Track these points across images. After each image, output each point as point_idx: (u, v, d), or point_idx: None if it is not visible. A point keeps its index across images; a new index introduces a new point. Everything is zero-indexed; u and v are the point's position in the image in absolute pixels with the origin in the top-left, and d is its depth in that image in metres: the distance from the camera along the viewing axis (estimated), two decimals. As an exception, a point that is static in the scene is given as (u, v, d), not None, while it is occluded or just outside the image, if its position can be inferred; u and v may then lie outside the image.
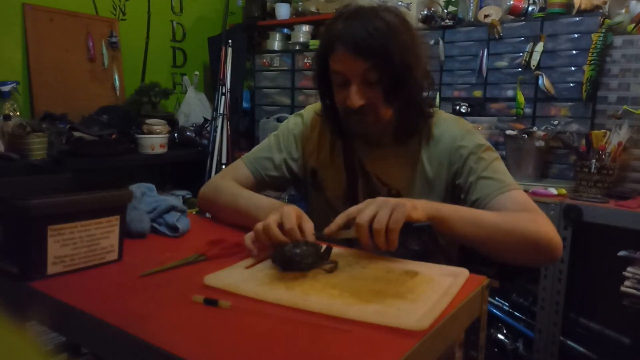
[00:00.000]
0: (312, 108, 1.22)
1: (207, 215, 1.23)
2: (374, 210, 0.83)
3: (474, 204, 1.01)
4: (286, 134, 1.20)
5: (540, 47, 2.08)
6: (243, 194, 1.09)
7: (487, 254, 0.95)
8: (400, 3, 2.49)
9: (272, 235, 0.82)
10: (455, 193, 1.09)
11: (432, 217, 0.89)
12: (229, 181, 1.16)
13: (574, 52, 2.02)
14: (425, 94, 1.07)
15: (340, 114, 1.07)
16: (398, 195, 1.09)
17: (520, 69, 2.15)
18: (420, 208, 0.86)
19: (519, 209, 0.96)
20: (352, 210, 0.86)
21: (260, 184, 1.19)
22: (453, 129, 1.09)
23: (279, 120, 2.78)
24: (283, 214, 0.85)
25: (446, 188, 1.09)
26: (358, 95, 0.98)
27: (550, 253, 0.93)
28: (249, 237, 0.87)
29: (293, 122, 1.22)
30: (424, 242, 1.10)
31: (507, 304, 2.10)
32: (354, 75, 0.98)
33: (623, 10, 1.99)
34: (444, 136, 1.08)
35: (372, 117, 1.02)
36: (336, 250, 0.89)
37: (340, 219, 0.86)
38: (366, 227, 0.82)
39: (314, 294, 0.70)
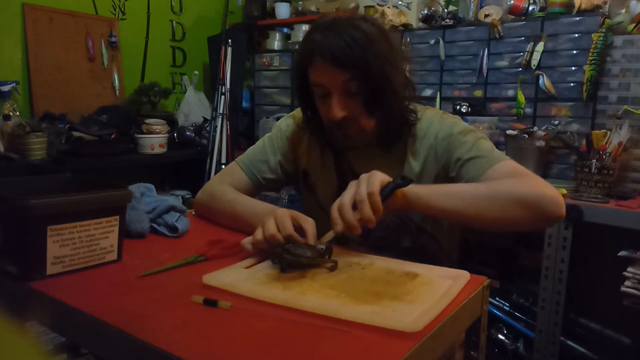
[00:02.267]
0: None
1: None
2: (352, 191, 0.84)
3: None
4: (279, 135, 1.20)
5: (540, 46, 2.07)
6: (239, 200, 1.08)
7: (478, 226, 0.94)
8: (400, 2, 2.48)
9: (277, 244, 0.82)
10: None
11: (405, 196, 0.88)
12: (224, 186, 1.15)
13: (575, 51, 2.02)
14: (406, 102, 1.06)
15: (325, 126, 1.06)
16: None
17: (520, 69, 2.14)
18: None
19: (508, 177, 0.94)
20: (337, 202, 0.85)
21: (257, 187, 1.18)
22: (435, 124, 1.08)
23: (279, 120, 2.77)
24: (277, 220, 0.84)
25: (435, 182, 1.08)
26: (339, 107, 0.98)
27: (546, 209, 0.89)
28: (247, 243, 0.86)
29: (285, 124, 1.22)
30: (417, 239, 1.10)
31: (507, 304, 2.10)
32: (333, 87, 0.97)
33: (623, 10, 1.99)
34: (428, 132, 1.07)
35: (355, 129, 1.02)
36: (336, 250, 0.88)
37: (335, 215, 0.84)
38: (348, 205, 0.82)
39: (311, 294, 0.70)
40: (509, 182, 0.92)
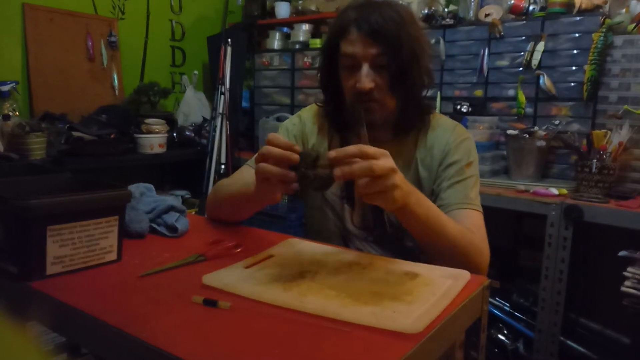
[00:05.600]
0: (309, 109, 1.24)
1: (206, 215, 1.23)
2: (380, 172, 0.75)
3: None
4: (286, 135, 1.20)
5: (541, 46, 2.07)
6: (236, 182, 1.10)
7: (422, 251, 0.95)
8: (400, 2, 2.48)
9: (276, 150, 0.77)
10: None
11: (407, 196, 0.83)
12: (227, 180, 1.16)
13: (575, 51, 2.02)
14: (425, 90, 1.10)
15: (347, 101, 1.08)
16: None
17: (521, 69, 2.14)
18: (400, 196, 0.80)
19: (471, 230, 0.98)
20: (370, 153, 0.75)
21: None
22: (449, 136, 1.10)
23: (279, 119, 2.78)
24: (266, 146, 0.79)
25: (432, 188, 1.10)
26: (368, 78, 1.01)
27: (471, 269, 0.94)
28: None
29: (291, 123, 1.22)
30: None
31: (507, 304, 2.10)
32: (365, 58, 1.01)
33: (623, 10, 1.99)
34: (439, 142, 1.10)
35: (377, 104, 1.04)
36: (336, 250, 0.88)
37: (351, 150, 0.75)
38: (361, 176, 0.75)
39: (311, 295, 0.69)
40: (475, 246, 0.95)
